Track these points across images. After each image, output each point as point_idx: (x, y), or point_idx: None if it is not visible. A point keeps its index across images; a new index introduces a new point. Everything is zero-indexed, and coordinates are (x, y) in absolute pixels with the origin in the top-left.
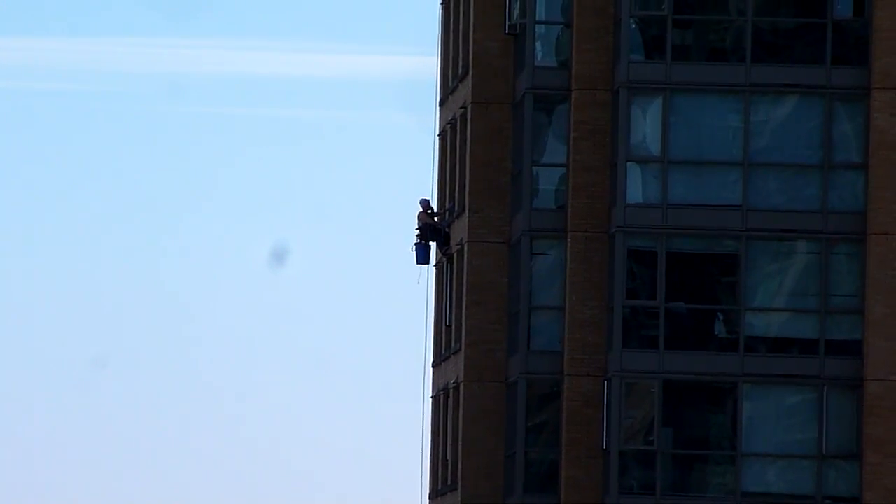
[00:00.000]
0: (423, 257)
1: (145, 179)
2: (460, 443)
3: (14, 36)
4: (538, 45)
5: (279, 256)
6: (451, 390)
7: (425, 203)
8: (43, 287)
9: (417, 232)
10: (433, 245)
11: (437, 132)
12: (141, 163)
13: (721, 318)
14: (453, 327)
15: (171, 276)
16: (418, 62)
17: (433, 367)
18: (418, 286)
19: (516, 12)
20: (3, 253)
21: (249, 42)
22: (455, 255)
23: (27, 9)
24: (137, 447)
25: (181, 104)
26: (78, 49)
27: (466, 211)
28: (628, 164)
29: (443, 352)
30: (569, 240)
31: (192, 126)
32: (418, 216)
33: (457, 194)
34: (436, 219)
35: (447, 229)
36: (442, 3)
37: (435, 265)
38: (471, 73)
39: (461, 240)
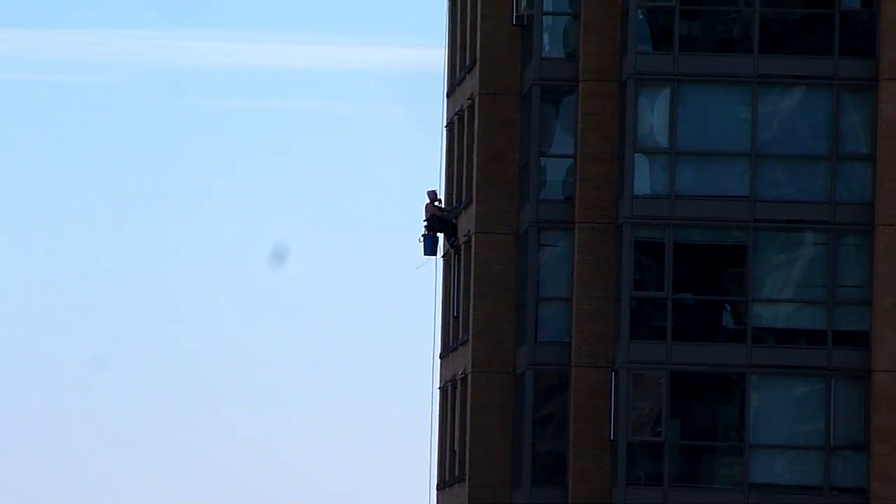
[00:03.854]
0: (430, 248)
1: (144, 174)
2: (468, 434)
3: (14, 28)
4: (545, 36)
5: (280, 255)
6: (459, 381)
7: (433, 194)
8: (42, 286)
9: (425, 223)
10: (441, 236)
11: (445, 124)
12: (140, 157)
13: (728, 309)
14: (461, 318)
15: (172, 273)
16: (425, 54)
17: (441, 358)
18: (418, 273)
19: (524, 3)
20: None
21: (252, 34)
22: (462, 247)
23: (27, 0)
24: (137, 447)
25: (182, 97)
26: (77, 41)
27: (474, 202)
28: (636, 155)
29: (450, 343)
30: (576, 231)
31: (193, 119)
32: (426, 207)
33: (464, 186)
34: (443, 210)
35: (455, 220)
36: None
37: (442, 256)
38: (478, 64)
39: (469, 231)
